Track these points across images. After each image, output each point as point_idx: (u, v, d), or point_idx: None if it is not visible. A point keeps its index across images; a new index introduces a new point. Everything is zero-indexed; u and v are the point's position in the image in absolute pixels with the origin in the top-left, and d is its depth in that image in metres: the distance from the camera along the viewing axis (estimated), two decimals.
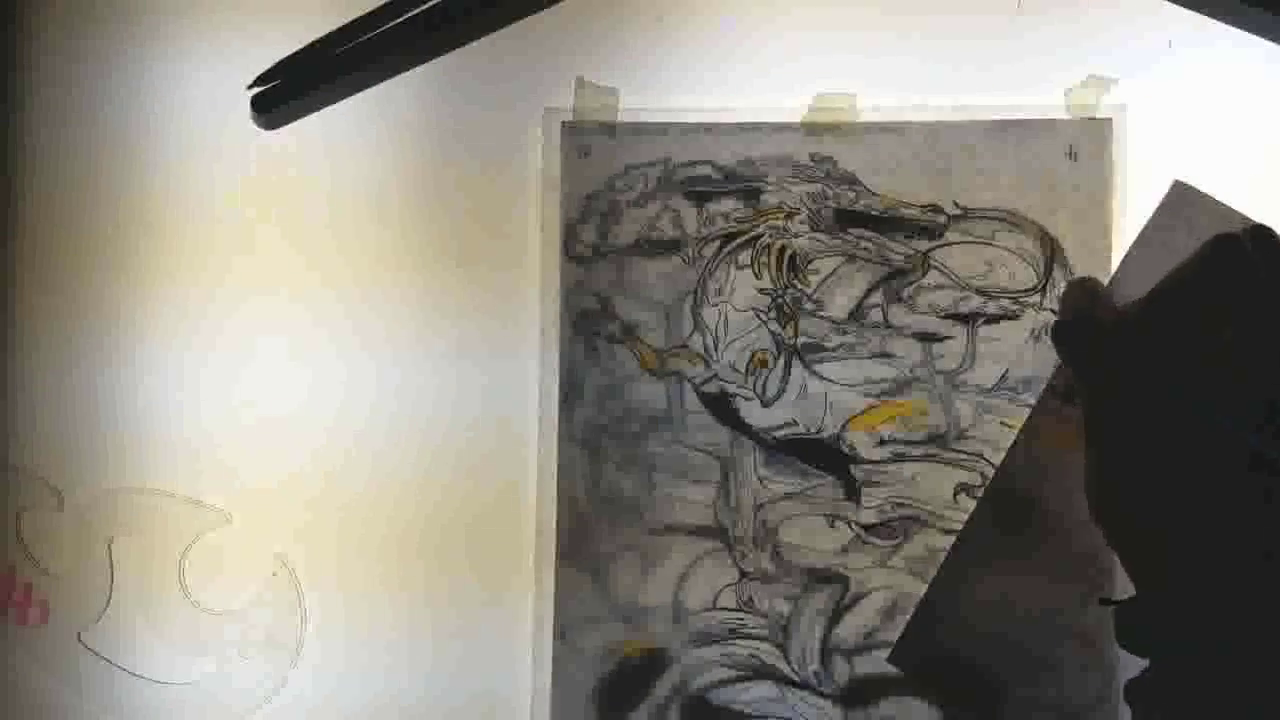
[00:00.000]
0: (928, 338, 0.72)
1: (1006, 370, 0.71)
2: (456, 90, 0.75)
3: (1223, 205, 0.63)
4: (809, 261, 0.73)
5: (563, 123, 0.74)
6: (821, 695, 0.71)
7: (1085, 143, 0.71)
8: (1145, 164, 0.70)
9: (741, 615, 0.72)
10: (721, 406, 0.73)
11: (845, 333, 0.72)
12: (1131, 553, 0.52)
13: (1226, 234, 0.53)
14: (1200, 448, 0.49)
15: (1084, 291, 0.58)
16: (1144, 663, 0.52)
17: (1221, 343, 0.50)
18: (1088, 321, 0.55)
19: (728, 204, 0.73)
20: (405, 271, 0.74)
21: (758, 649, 0.71)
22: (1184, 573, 0.50)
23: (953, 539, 0.69)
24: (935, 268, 0.72)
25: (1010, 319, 0.71)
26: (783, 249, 0.73)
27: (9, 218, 0.76)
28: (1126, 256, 0.66)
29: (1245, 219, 0.61)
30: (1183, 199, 0.65)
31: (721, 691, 0.71)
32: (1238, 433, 0.49)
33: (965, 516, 0.70)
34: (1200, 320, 0.51)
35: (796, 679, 0.71)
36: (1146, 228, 0.65)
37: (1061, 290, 0.70)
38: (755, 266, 0.73)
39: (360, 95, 0.75)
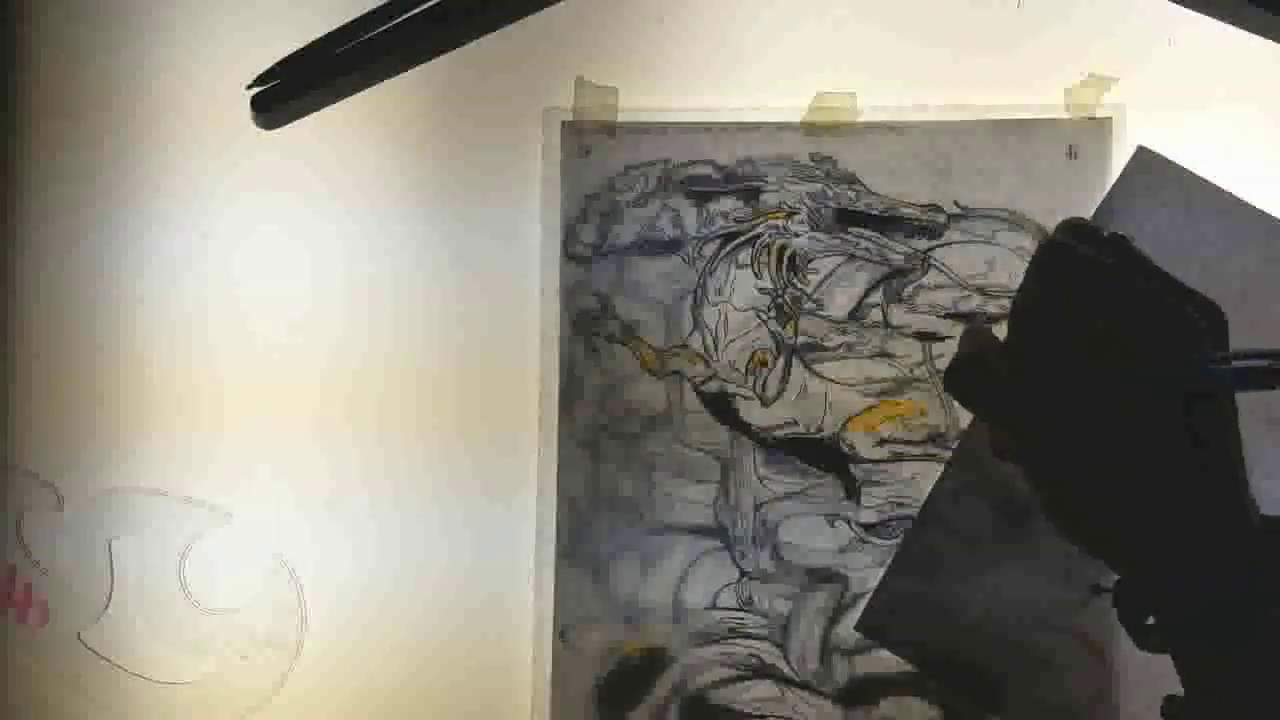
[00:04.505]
0: (928, 337, 0.72)
1: None
2: (456, 90, 0.75)
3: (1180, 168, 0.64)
4: (809, 261, 0.73)
5: (563, 123, 0.74)
6: (821, 695, 0.71)
7: (1085, 142, 0.71)
8: None
9: (741, 615, 0.71)
10: (721, 406, 0.72)
11: (845, 332, 0.72)
12: (1102, 555, 0.52)
13: (1047, 241, 0.54)
14: (1115, 443, 0.50)
15: (972, 338, 0.59)
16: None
17: (1094, 338, 0.51)
18: (974, 361, 0.55)
19: (727, 204, 0.73)
20: (405, 272, 0.74)
21: (757, 649, 0.71)
22: (1150, 558, 0.50)
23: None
24: (935, 267, 0.72)
25: None
26: (782, 249, 0.73)
27: (9, 218, 0.76)
28: None
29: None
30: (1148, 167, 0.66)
31: (721, 691, 0.71)
32: (1144, 418, 0.50)
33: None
34: (1065, 326, 0.52)
35: (796, 679, 0.71)
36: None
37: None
38: (755, 266, 0.73)
39: (360, 95, 0.75)
